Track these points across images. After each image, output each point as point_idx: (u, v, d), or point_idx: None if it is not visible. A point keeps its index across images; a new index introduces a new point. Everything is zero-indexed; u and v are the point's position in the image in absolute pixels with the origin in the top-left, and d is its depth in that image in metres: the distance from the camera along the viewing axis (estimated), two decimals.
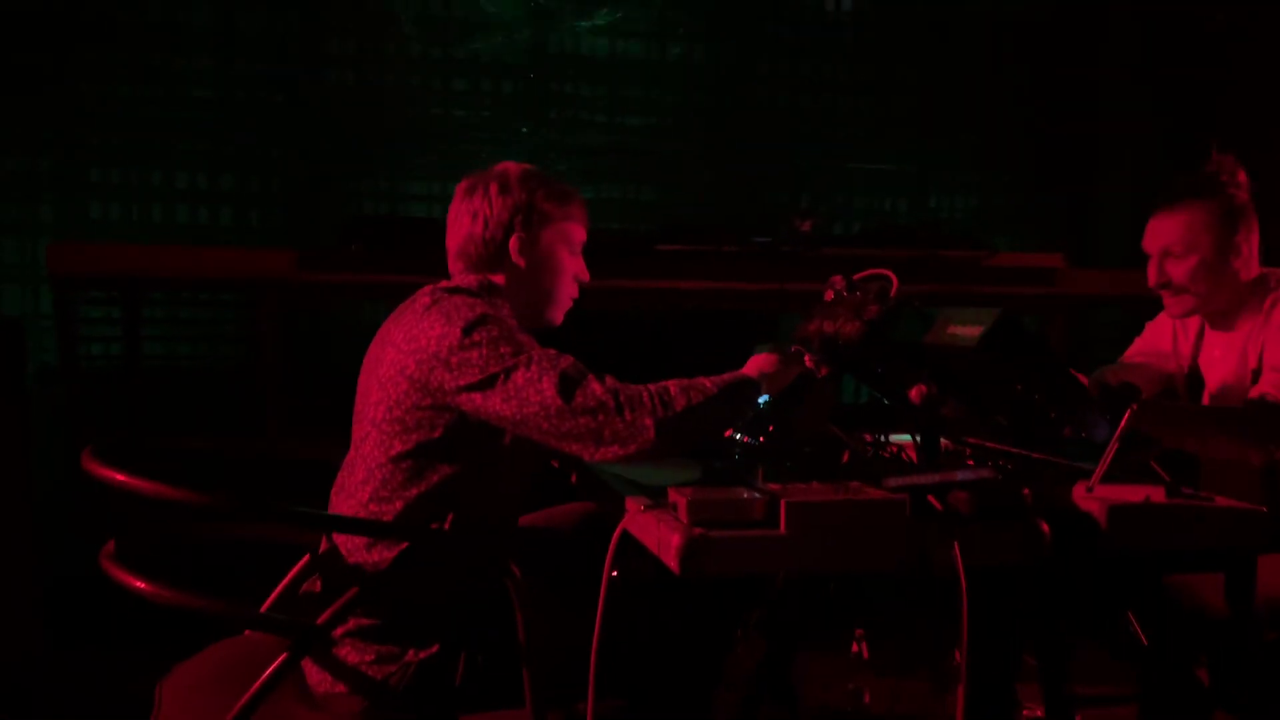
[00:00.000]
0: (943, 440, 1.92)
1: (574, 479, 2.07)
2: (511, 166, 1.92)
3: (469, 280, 1.86)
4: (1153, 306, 4.16)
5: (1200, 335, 2.25)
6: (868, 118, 4.87)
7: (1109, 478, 1.70)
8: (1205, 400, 2.21)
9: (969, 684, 1.59)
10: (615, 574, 1.57)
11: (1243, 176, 2.11)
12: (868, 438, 2.03)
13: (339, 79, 4.36)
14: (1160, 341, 2.33)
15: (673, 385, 1.70)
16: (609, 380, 1.69)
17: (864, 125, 4.87)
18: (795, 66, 4.84)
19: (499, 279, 1.87)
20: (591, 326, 3.33)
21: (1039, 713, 2.40)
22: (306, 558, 1.96)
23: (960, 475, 1.62)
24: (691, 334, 3.30)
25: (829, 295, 2.05)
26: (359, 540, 1.75)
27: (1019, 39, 4.94)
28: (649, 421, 1.63)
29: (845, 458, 1.87)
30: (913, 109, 4.90)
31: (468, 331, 1.69)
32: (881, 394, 2.20)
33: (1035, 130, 4.92)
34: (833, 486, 1.59)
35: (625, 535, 1.62)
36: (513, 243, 1.87)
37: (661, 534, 1.52)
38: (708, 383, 1.74)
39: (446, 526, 1.72)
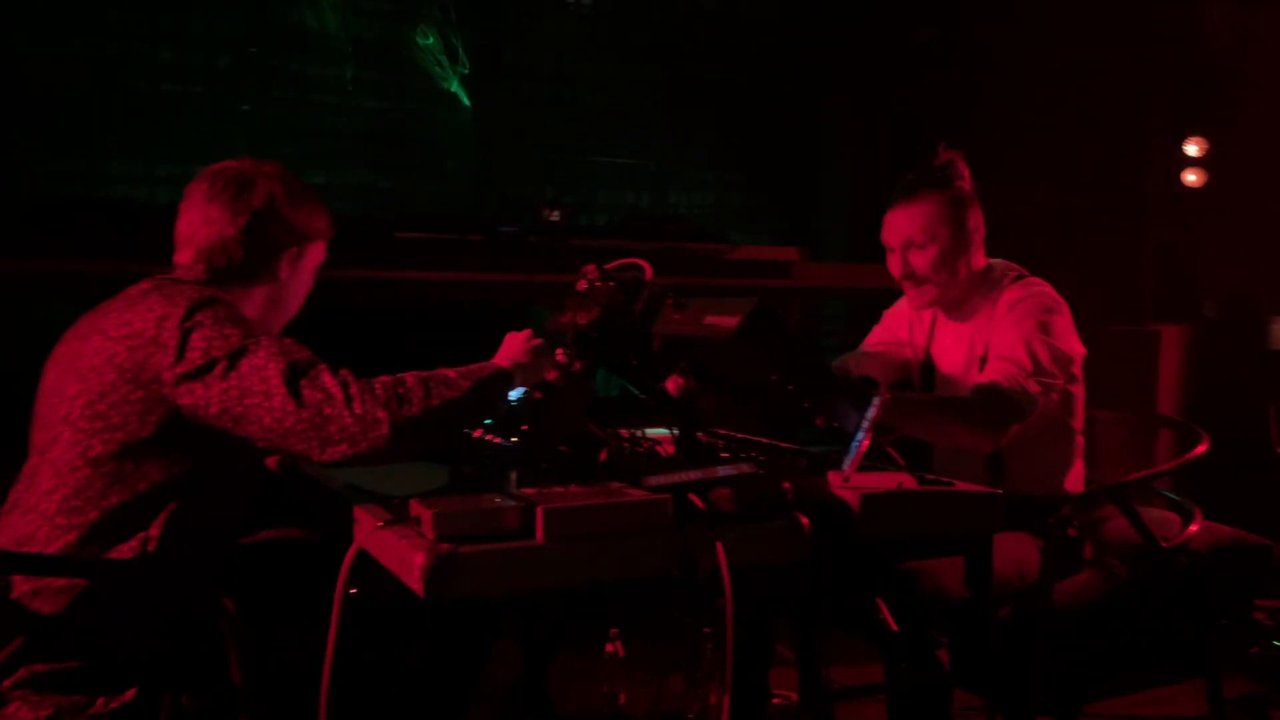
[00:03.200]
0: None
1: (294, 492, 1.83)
2: (272, 170, 1.73)
3: (197, 271, 1.68)
4: (874, 298, 4.37)
5: (933, 325, 2.32)
6: (609, 113, 4.85)
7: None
8: (938, 389, 2.27)
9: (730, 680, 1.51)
10: (354, 591, 1.38)
11: (965, 169, 2.19)
12: (624, 433, 1.93)
13: (25, 43, 3.79)
14: (897, 330, 2.39)
15: (410, 376, 1.55)
16: (343, 372, 1.52)
17: (606, 120, 4.84)
18: (538, 58, 4.74)
19: (244, 285, 1.70)
20: (323, 321, 3.09)
21: (793, 697, 2.42)
22: None
23: (721, 471, 1.54)
24: (432, 328, 3.10)
25: (581, 285, 1.94)
26: (24, 583, 1.45)
27: (752, 42, 5.07)
28: (382, 414, 1.47)
29: (603, 456, 1.76)
30: (652, 106, 4.92)
31: (191, 312, 1.53)
32: (635, 387, 2.12)
33: (765, 132, 5.08)
34: (592, 489, 1.48)
35: (361, 554, 1.42)
36: (286, 255, 1.73)
37: (403, 552, 1.35)
38: (452, 373, 1.60)
39: (152, 544, 1.49)
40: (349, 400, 1.47)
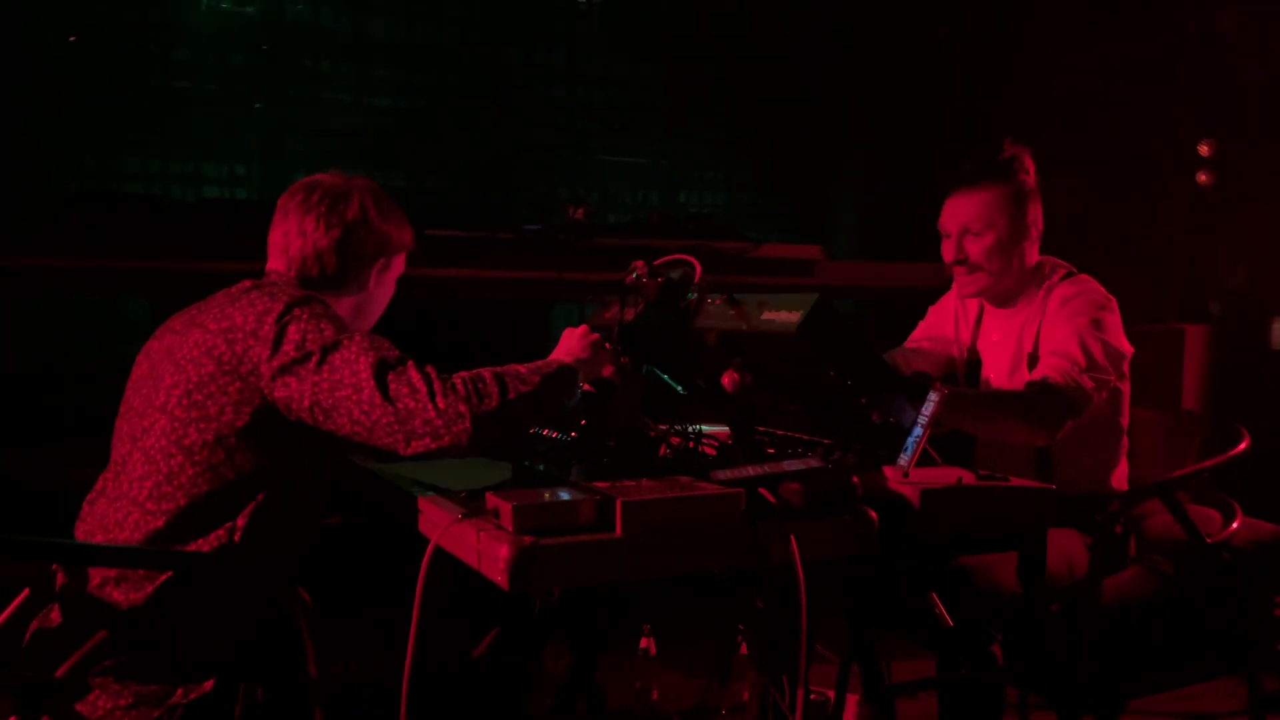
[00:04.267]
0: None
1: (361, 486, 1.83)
2: (363, 184, 1.79)
3: (290, 280, 1.72)
4: (896, 296, 4.37)
5: (979, 319, 2.32)
6: (619, 112, 4.85)
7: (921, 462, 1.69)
8: (982, 382, 2.28)
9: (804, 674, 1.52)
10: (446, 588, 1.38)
11: (1031, 165, 2.19)
12: (665, 428, 1.92)
13: (39, 42, 3.76)
14: (943, 325, 2.39)
15: (486, 372, 1.56)
16: (428, 368, 1.53)
17: (616, 119, 4.85)
18: (549, 56, 4.74)
19: (333, 295, 1.73)
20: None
21: (829, 694, 2.42)
22: (26, 592, 1.60)
23: (790, 465, 1.54)
24: (460, 325, 3.10)
25: (629, 280, 1.94)
26: (107, 569, 1.44)
27: (762, 42, 5.09)
28: (464, 409, 1.49)
29: (662, 451, 1.76)
30: (662, 105, 4.93)
31: (290, 308, 1.56)
32: (680, 383, 2.12)
33: (775, 131, 5.09)
34: (664, 483, 1.47)
35: (439, 551, 1.42)
36: (377, 264, 1.78)
37: (484, 546, 1.35)
38: (524, 369, 1.60)
39: (238, 535, 1.51)
40: (433, 395, 1.48)
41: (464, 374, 1.53)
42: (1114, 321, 2.10)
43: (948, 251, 2.21)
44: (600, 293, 2.25)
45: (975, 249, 2.16)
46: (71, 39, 3.82)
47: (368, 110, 4.34)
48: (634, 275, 1.94)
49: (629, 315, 1.95)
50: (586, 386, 1.78)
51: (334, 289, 1.72)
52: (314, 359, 1.50)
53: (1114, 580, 2.04)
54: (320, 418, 1.51)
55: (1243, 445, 2.14)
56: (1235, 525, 2.14)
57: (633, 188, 4.90)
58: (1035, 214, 2.18)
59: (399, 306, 3.15)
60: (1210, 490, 2.31)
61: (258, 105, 4.11)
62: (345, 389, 1.48)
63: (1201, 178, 4.20)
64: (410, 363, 1.52)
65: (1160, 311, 3.85)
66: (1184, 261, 4.06)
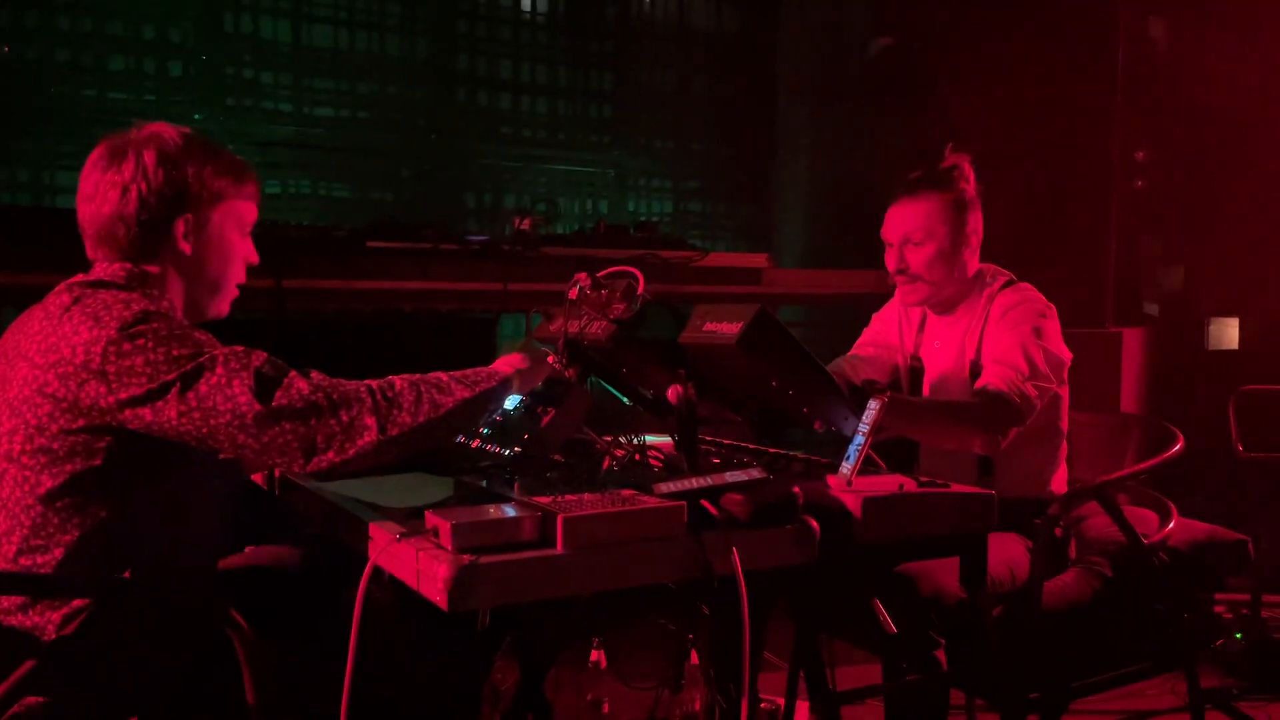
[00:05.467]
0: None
1: (293, 504, 1.79)
2: (166, 130, 1.58)
3: (115, 271, 1.54)
4: (841, 303, 4.39)
5: (922, 327, 2.35)
6: (566, 121, 4.85)
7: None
8: (925, 390, 2.30)
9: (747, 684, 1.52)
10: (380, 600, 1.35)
11: (971, 173, 2.22)
12: (618, 441, 1.92)
13: None
14: (887, 332, 2.42)
15: (400, 380, 1.52)
16: (315, 376, 1.47)
17: (562, 128, 4.84)
18: (492, 65, 4.72)
19: (154, 268, 1.56)
20: (294, 332, 3.05)
21: (779, 701, 2.43)
22: None
23: (732, 477, 1.54)
24: (405, 337, 3.07)
25: (573, 294, 1.94)
26: (10, 601, 1.39)
27: (708, 51, 5.12)
28: (369, 420, 1.44)
29: (606, 464, 1.75)
30: (609, 114, 4.94)
31: (126, 332, 1.41)
32: (625, 396, 2.12)
33: (720, 141, 5.12)
34: (605, 497, 1.46)
35: (376, 571, 1.40)
36: (179, 226, 1.56)
37: (423, 565, 1.32)
38: (445, 377, 1.57)
39: (127, 574, 1.41)
40: (334, 406, 1.42)
41: (372, 381, 1.48)
42: (1054, 329, 2.14)
43: (890, 261, 2.23)
44: (546, 303, 2.25)
45: (916, 259, 2.19)
46: (4, 49, 3.73)
47: (309, 120, 4.29)
48: (577, 287, 1.94)
49: (573, 328, 1.95)
50: (539, 408, 1.77)
51: (147, 260, 1.54)
52: (174, 390, 1.39)
53: (1055, 582, 2.07)
54: (195, 444, 1.43)
55: (1177, 447, 2.19)
56: (1171, 526, 2.18)
57: (580, 196, 4.89)
58: (975, 222, 2.22)
59: (341, 321, 3.10)
60: (1147, 491, 2.36)
61: (197, 116, 4.04)
62: (222, 415, 1.40)
63: (1137, 183, 4.29)
64: (293, 373, 1.45)
65: (1097, 315, 3.93)
66: (1119, 265, 4.15)
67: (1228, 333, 4.28)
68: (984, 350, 2.15)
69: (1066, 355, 2.14)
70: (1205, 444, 2.63)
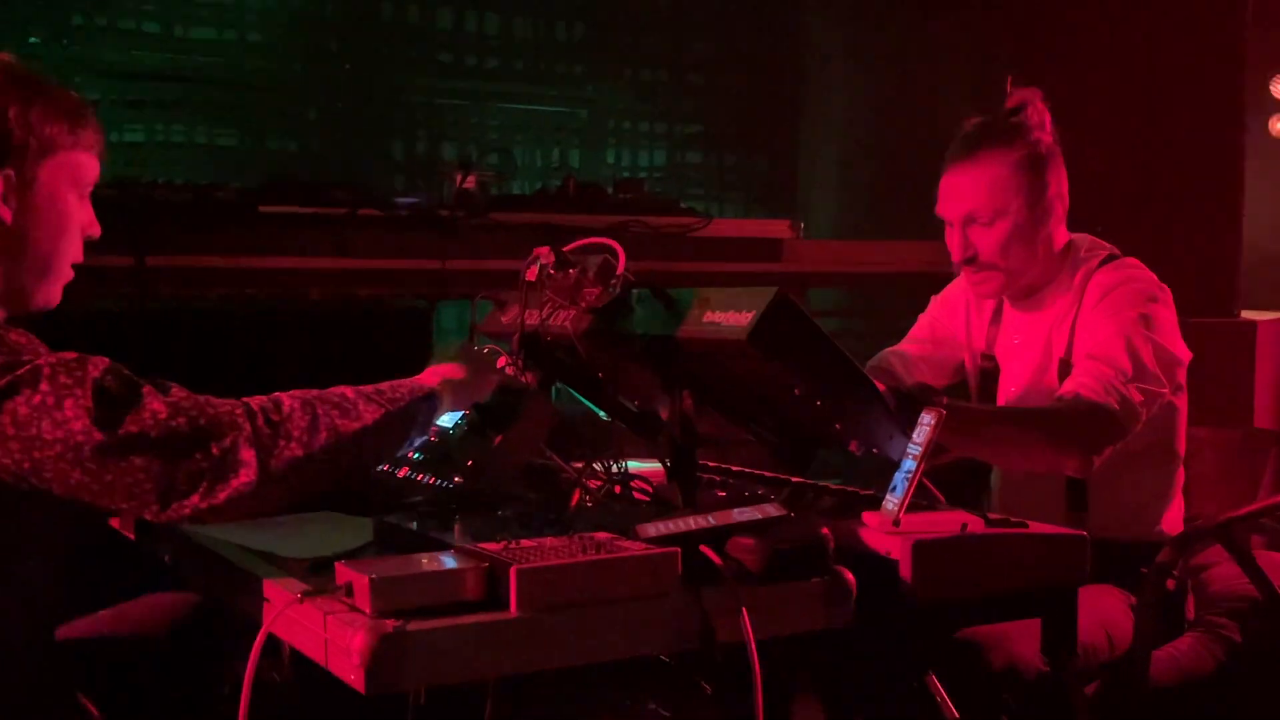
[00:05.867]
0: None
1: (166, 556, 1.80)
2: None
3: None
4: (880, 286, 4.41)
5: (997, 317, 2.36)
6: (525, 44, 4.85)
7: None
8: (1000, 398, 2.32)
9: None
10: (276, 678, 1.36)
11: (1045, 113, 2.23)
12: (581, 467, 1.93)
13: None
14: (951, 322, 2.43)
15: (290, 399, 1.52)
16: (176, 392, 1.47)
17: (520, 55, 4.85)
18: None
19: None
20: (159, 326, 3.04)
21: None
22: None
23: (741, 515, 1.55)
24: (311, 333, 3.07)
25: (531, 274, 1.95)
26: None
27: None
28: (248, 454, 1.44)
29: (575, 499, 1.76)
30: (580, 35, 4.94)
31: None
32: (602, 408, 2.13)
33: (731, 73, 5.13)
34: (573, 542, 1.47)
35: (270, 640, 1.41)
36: None
37: (333, 634, 1.33)
38: (351, 393, 1.58)
39: None
40: (198, 435, 1.42)
41: (255, 401, 1.49)
42: (1168, 317, 2.15)
43: (953, 244, 2.24)
44: (496, 286, 2.26)
45: (986, 242, 2.20)
46: None
47: (184, 47, 4.29)
48: (537, 266, 1.95)
49: (532, 319, 1.96)
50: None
51: None
52: None
53: (1167, 651, 2.09)
54: (11, 480, 1.41)
55: None
56: None
57: (544, 145, 4.90)
58: (1058, 182, 2.22)
59: (225, 312, 3.10)
60: None
61: (33, 40, 4.04)
62: (50, 446, 1.38)
63: (1276, 125, 4.32)
64: (147, 390, 1.44)
65: (1223, 300, 3.96)
66: (1252, 236, 4.17)
67: None
68: (1076, 344, 2.16)
69: (1184, 353, 2.15)
70: None
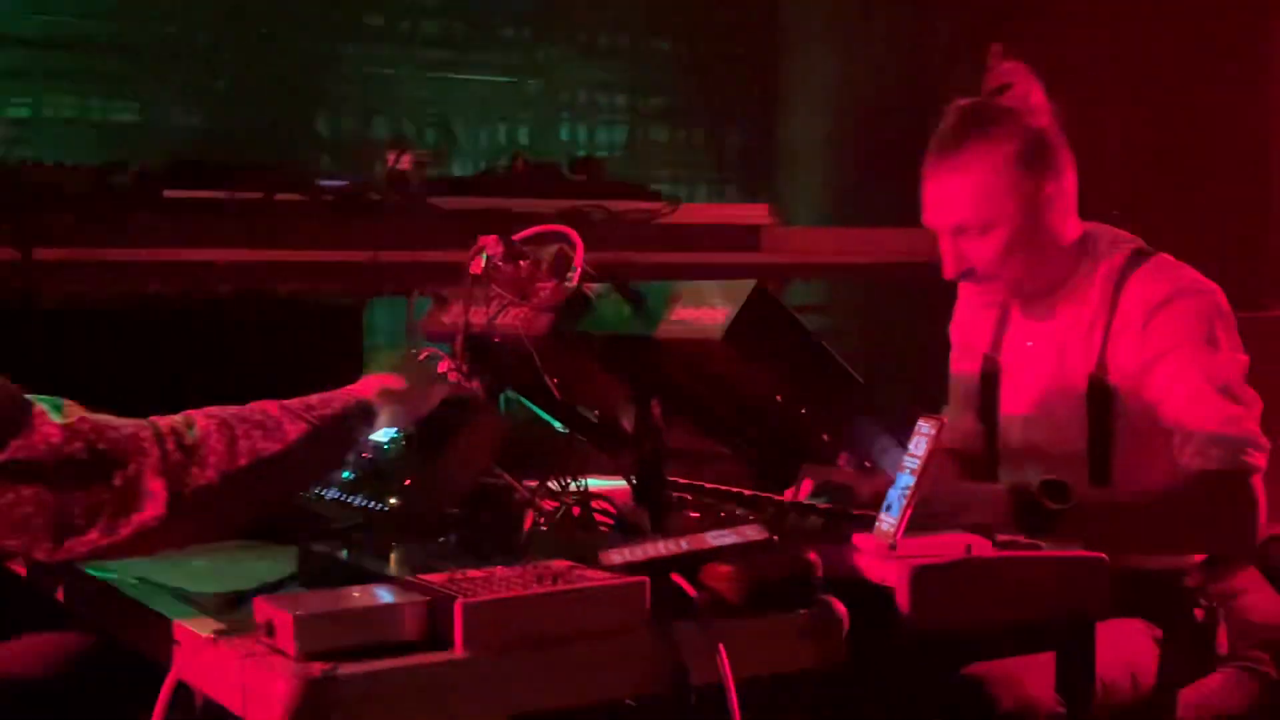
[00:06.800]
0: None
1: (59, 593, 1.79)
2: None
3: None
4: (870, 277, 4.42)
5: (1004, 318, 2.37)
6: (466, 6, 4.85)
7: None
8: (1005, 406, 2.33)
9: None
10: None
11: (1037, 91, 2.22)
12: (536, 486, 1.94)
13: None
14: (976, 341, 2.44)
15: (204, 418, 1.51)
16: (71, 410, 1.46)
17: (461, 18, 4.84)
18: None
19: None
20: (48, 329, 3.01)
21: None
22: None
23: (717, 539, 1.56)
24: (221, 335, 3.05)
25: (476, 267, 1.95)
26: None
27: None
28: (155, 485, 1.43)
29: (529, 522, 1.76)
30: None
31: None
32: (558, 418, 2.14)
33: (698, 35, 5.14)
34: (526, 571, 1.48)
35: (180, 687, 1.40)
36: None
37: (250, 680, 1.33)
38: (275, 410, 1.57)
39: None
40: (98, 462, 1.41)
41: (163, 421, 1.48)
42: (1233, 326, 2.18)
43: (945, 255, 2.24)
44: (436, 280, 2.26)
45: (980, 253, 2.19)
46: None
47: (76, 8, 4.26)
48: (483, 257, 1.95)
49: (478, 318, 1.96)
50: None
51: None
52: None
53: (1196, 689, 2.10)
54: None
55: None
56: None
57: (489, 121, 4.90)
58: (1061, 167, 2.22)
59: (122, 312, 3.08)
60: None
61: None
62: None
63: None
64: (37, 410, 1.43)
65: (1254, 294, 4.00)
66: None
67: None
68: (1116, 372, 2.16)
69: (1244, 357, 2.17)
70: None
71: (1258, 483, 2.07)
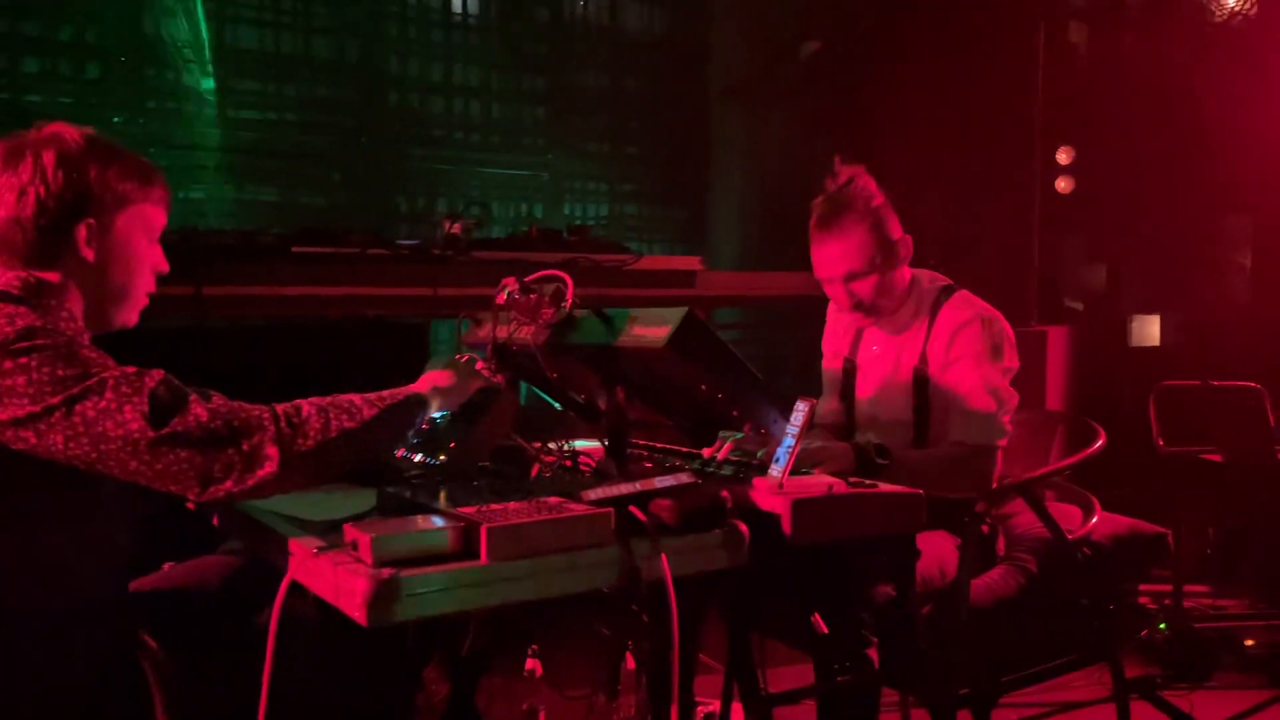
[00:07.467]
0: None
1: (215, 520, 1.74)
2: (67, 130, 1.50)
3: (9, 280, 1.46)
4: (769, 305, 4.39)
5: (860, 332, 2.35)
6: (499, 123, 4.81)
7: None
8: (859, 391, 2.31)
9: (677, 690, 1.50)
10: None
11: (870, 182, 2.20)
12: (550, 447, 1.90)
13: None
14: (840, 347, 2.41)
15: (307, 405, 1.45)
16: (216, 399, 1.41)
17: (496, 131, 4.80)
18: (424, 68, 4.66)
19: (53, 276, 1.48)
20: (215, 340, 2.97)
21: (715, 705, 2.42)
22: None
23: (660, 482, 1.52)
24: (332, 345, 3.00)
25: (501, 299, 1.91)
26: None
27: (639, 54, 5.11)
28: (271, 450, 1.38)
29: (534, 471, 1.73)
30: (542, 117, 4.91)
31: (8, 350, 1.34)
32: (556, 401, 2.10)
33: (655, 143, 5.11)
34: (531, 505, 1.44)
35: (294, 586, 1.36)
36: (80, 231, 1.48)
37: (340, 580, 1.29)
38: (358, 399, 1.51)
39: (34, 594, 1.36)
40: (233, 434, 1.37)
41: (278, 406, 1.43)
42: (1010, 341, 2.17)
43: (838, 298, 2.22)
44: (477, 308, 2.22)
45: (864, 291, 2.18)
46: None
47: (235, 124, 4.20)
48: (505, 292, 1.92)
49: (502, 333, 1.92)
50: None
51: (46, 267, 1.47)
52: (58, 413, 1.32)
53: (982, 579, 2.09)
54: (84, 467, 1.36)
55: (1099, 443, 2.22)
56: (1094, 520, 2.22)
57: (515, 200, 4.85)
58: (897, 229, 2.21)
59: (264, 328, 2.99)
60: (1071, 487, 2.39)
61: (116, 120, 3.92)
62: (112, 441, 1.33)
63: (1060, 183, 4.38)
64: (192, 397, 1.39)
65: (1022, 313, 4.00)
66: (1043, 264, 4.22)
67: (1149, 329, 4.39)
68: (945, 377, 2.16)
69: (1016, 363, 2.17)
70: (1127, 439, 2.68)
71: (999, 455, 2.13)
